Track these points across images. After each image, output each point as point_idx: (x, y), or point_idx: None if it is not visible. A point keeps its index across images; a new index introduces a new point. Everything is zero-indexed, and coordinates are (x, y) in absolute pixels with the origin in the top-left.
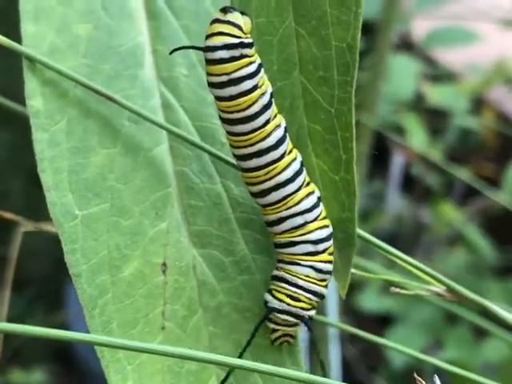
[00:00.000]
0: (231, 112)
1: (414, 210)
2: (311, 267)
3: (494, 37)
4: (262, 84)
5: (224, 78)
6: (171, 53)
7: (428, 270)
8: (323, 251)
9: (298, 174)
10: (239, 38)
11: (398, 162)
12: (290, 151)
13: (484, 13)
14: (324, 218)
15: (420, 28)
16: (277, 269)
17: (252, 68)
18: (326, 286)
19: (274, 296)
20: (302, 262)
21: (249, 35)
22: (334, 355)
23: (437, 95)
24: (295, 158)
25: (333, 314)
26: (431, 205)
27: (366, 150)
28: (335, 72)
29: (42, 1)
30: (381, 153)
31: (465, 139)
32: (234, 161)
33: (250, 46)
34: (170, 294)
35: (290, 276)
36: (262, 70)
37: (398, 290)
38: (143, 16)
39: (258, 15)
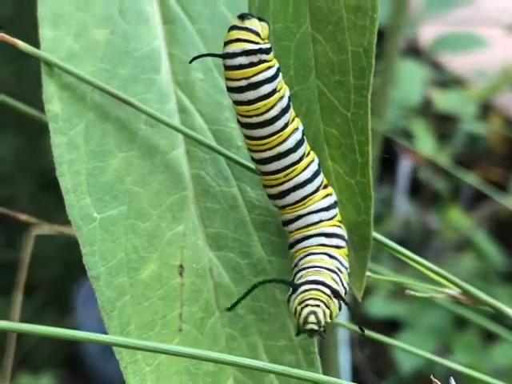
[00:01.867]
0: (250, 116)
1: (422, 216)
2: (325, 254)
3: (501, 42)
4: (281, 88)
5: (243, 83)
6: (191, 61)
7: (442, 272)
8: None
9: (316, 175)
10: (257, 43)
11: (405, 167)
12: (308, 153)
13: (491, 18)
14: (339, 220)
15: (427, 33)
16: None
17: (271, 72)
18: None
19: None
20: (316, 251)
21: (267, 40)
22: (343, 360)
23: (444, 101)
24: (313, 160)
25: (342, 318)
26: (439, 210)
27: (374, 155)
28: (351, 76)
29: (60, 6)
30: (389, 158)
31: (472, 144)
32: (249, 164)
33: (268, 51)
34: (187, 296)
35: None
36: (281, 74)
37: (412, 292)
38: (159, 21)
39: (275, 21)
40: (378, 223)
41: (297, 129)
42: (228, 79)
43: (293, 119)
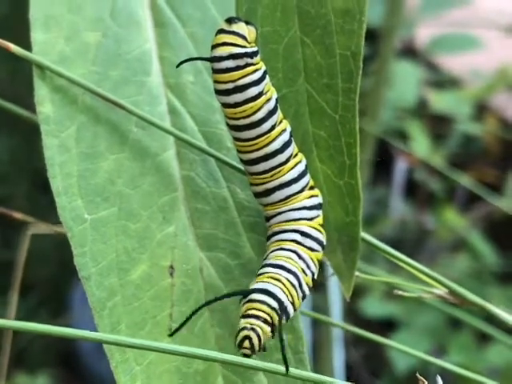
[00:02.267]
0: (237, 118)
1: (418, 216)
2: (294, 252)
3: (496, 43)
4: (268, 90)
5: (230, 86)
6: (179, 65)
7: (431, 272)
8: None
9: (302, 175)
10: (244, 47)
11: (401, 167)
12: (296, 155)
13: (487, 19)
14: (320, 224)
15: (423, 34)
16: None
17: (257, 75)
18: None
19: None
20: (286, 246)
21: (253, 44)
22: (337, 359)
23: (440, 101)
24: (300, 161)
25: (337, 318)
26: (434, 210)
27: (369, 156)
28: (339, 79)
29: (51, 9)
30: (384, 159)
31: (467, 145)
32: (239, 166)
33: (254, 54)
34: (177, 297)
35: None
36: (267, 76)
37: (401, 292)
38: (150, 24)
39: (264, 24)
40: (373, 223)
41: (284, 130)
42: (215, 82)
43: (280, 121)
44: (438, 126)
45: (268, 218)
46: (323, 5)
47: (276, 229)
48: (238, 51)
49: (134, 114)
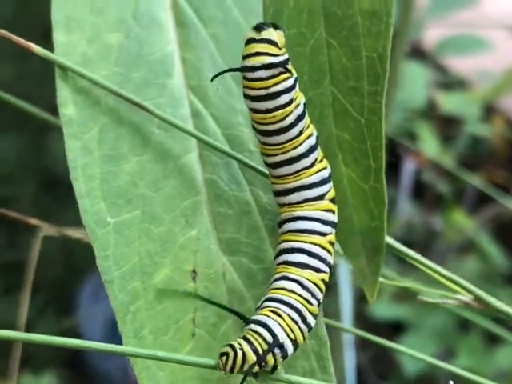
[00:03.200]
0: (267, 124)
1: (425, 218)
2: (298, 282)
3: (505, 44)
4: (297, 97)
5: (262, 92)
6: (213, 79)
7: (454, 277)
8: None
9: (324, 182)
10: (277, 55)
11: (409, 169)
12: (321, 160)
13: (495, 20)
14: (332, 242)
15: (431, 35)
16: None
17: (289, 82)
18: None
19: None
20: (291, 275)
21: (284, 50)
22: (348, 362)
23: (448, 103)
24: (325, 167)
25: (347, 321)
26: (442, 212)
27: None
28: (365, 82)
29: (73, 11)
30: (392, 160)
31: (475, 147)
32: (262, 169)
33: (287, 62)
34: (200, 301)
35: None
36: (298, 83)
37: (425, 298)
38: (172, 25)
39: (290, 26)
40: None
41: (311, 135)
42: (246, 88)
43: (308, 126)
44: (447, 127)
45: (281, 223)
46: (350, 6)
47: (284, 245)
48: (271, 61)
49: (157, 115)
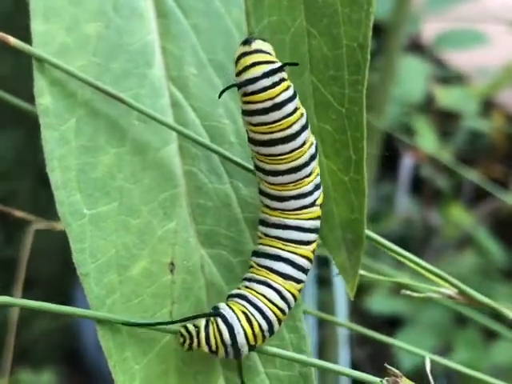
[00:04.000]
0: (271, 133)
1: (423, 213)
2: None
3: (503, 39)
4: (299, 106)
5: (268, 104)
6: (220, 95)
7: (439, 272)
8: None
9: (317, 187)
10: (273, 62)
11: (407, 164)
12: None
13: (494, 14)
14: (313, 250)
15: (429, 30)
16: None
17: (291, 91)
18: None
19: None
20: (273, 284)
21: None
22: (343, 358)
23: (446, 97)
24: (318, 173)
25: (342, 316)
26: (440, 207)
27: (375, 152)
28: (346, 71)
29: (52, 0)
30: (390, 155)
31: (474, 142)
32: (243, 162)
33: (283, 69)
34: (177, 294)
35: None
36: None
37: (409, 292)
38: (153, 15)
39: (271, 13)
40: (379, 220)
41: (312, 144)
42: (249, 102)
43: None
44: (445, 122)
45: (269, 226)
46: None
47: (270, 250)
48: (271, 67)
49: (135, 108)
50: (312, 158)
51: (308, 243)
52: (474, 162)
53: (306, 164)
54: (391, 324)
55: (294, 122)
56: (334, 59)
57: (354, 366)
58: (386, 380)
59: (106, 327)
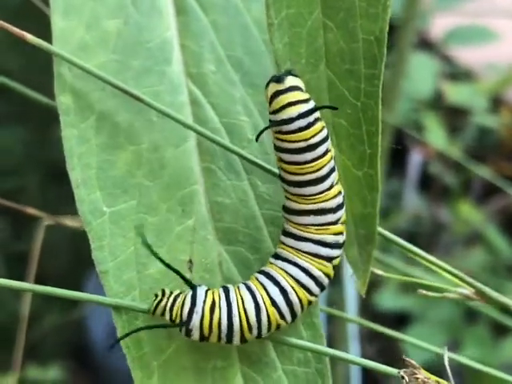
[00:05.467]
0: (303, 174)
1: (432, 209)
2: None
3: None
4: (331, 148)
5: (302, 144)
6: (257, 139)
7: (454, 270)
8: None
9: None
10: (308, 101)
11: (415, 160)
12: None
13: (503, 10)
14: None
15: (438, 26)
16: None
17: (325, 132)
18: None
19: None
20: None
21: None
22: (352, 354)
23: (455, 94)
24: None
25: (352, 313)
26: (449, 204)
27: (384, 148)
28: (362, 65)
29: None
30: (399, 151)
31: (482, 138)
32: (260, 162)
33: (316, 107)
34: None
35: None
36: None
37: (425, 292)
38: (172, 12)
39: (289, 6)
40: (387, 217)
41: (340, 192)
42: (283, 141)
43: (337, 180)
44: (454, 118)
45: (289, 234)
46: None
47: (289, 255)
48: (306, 108)
49: (153, 106)
50: (339, 206)
51: (329, 260)
52: (482, 159)
53: (331, 210)
54: (400, 321)
55: (325, 165)
56: (350, 53)
57: None
58: (404, 371)
59: (125, 324)
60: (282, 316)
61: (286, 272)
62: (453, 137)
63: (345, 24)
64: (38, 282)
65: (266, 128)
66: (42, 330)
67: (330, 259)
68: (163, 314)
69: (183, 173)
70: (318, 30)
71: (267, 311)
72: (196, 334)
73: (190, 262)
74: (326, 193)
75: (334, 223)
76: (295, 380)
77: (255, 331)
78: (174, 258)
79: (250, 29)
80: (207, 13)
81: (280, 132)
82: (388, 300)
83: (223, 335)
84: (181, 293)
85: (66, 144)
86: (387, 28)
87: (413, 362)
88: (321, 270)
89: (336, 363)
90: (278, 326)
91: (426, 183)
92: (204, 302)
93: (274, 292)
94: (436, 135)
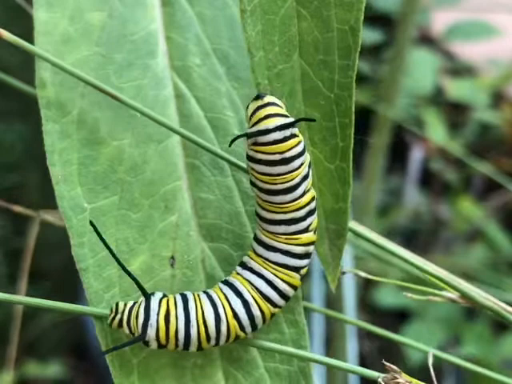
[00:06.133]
0: (275, 183)
1: (432, 206)
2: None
3: None
4: (305, 161)
5: (277, 157)
6: (230, 144)
7: (440, 275)
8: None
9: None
10: (287, 116)
11: (416, 156)
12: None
13: (505, 5)
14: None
15: (439, 22)
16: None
17: (301, 147)
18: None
19: None
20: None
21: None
22: (351, 350)
23: (456, 89)
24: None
25: (350, 310)
26: (449, 200)
27: (384, 145)
28: (336, 56)
29: None
30: (399, 148)
31: (483, 134)
32: (244, 164)
33: (295, 123)
34: (177, 288)
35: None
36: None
37: (410, 295)
38: (157, 3)
39: None
40: (387, 213)
41: (313, 198)
42: (258, 152)
43: (310, 188)
44: (454, 114)
45: (262, 243)
46: None
47: (255, 265)
48: (283, 121)
49: (132, 107)
50: (310, 212)
51: (297, 270)
52: (483, 155)
53: (303, 219)
54: (401, 314)
55: (297, 176)
56: (325, 43)
57: (363, 358)
58: (385, 377)
59: (103, 323)
60: (242, 328)
61: (251, 283)
62: (453, 133)
63: (319, 13)
64: (37, 277)
65: (240, 136)
66: (40, 327)
67: (298, 269)
68: (121, 327)
69: (166, 168)
70: (291, 19)
71: (228, 323)
72: (154, 345)
73: (173, 258)
74: (297, 201)
75: (305, 231)
76: (277, 378)
77: (213, 341)
78: (156, 254)
79: (237, 21)
80: (193, 4)
81: (255, 143)
82: (387, 296)
83: (180, 344)
84: (135, 303)
85: (46, 139)
86: (362, 18)
87: (393, 366)
88: (287, 282)
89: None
90: (237, 337)
91: (427, 179)
92: (158, 313)
93: (236, 304)
94: (437, 131)
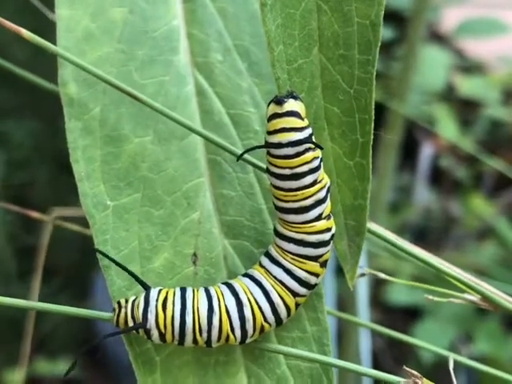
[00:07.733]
0: (286, 201)
1: (443, 203)
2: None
3: None
4: (322, 179)
5: (287, 172)
6: (238, 159)
7: (461, 277)
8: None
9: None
10: (302, 130)
11: (426, 153)
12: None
13: None
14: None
15: (449, 19)
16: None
17: (315, 163)
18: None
19: None
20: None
21: (307, 120)
22: (363, 346)
23: (467, 86)
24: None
25: (363, 307)
26: (460, 198)
27: (395, 142)
28: (356, 50)
29: None
30: (410, 145)
31: (494, 131)
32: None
33: (311, 136)
34: (200, 285)
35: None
36: (322, 164)
37: (431, 297)
38: None
39: None
40: (398, 211)
41: (331, 227)
42: (271, 164)
43: (328, 215)
44: (465, 111)
45: (279, 234)
46: None
47: (275, 255)
48: (297, 138)
49: (153, 107)
50: (323, 243)
51: (315, 258)
52: (494, 152)
53: (316, 245)
54: (412, 312)
55: (311, 195)
56: (345, 37)
57: (374, 355)
58: (405, 382)
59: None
60: (265, 318)
61: (269, 272)
62: (464, 129)
63: (339, 7)
64: (48, 274)
65: (256, 147)
66: (50, 324)
67: (314, 258)
68: (126, 322)
69: (188, 165)
70: (311, 13)
71: (252, 310)
72: (155, 333)
73: (195, 255)
74: (310, 224)
75: (315, 259)
76: (299, 375)
77: (238, 332)
78: (178, 251)
79: (259, 18)
80: (214, 0)
81: (269, 154)
82: (400, 294)
83: (176, 334)
84: (137, 297)
85: (69, 136)
86: (383, 12)
87: (413, 371)
88: (306, 270)
89: (346, 355)
90: (262, 329)
91: (438, 176)
92: (157, 299)
93: (256, 292)
94: (448, 128)
